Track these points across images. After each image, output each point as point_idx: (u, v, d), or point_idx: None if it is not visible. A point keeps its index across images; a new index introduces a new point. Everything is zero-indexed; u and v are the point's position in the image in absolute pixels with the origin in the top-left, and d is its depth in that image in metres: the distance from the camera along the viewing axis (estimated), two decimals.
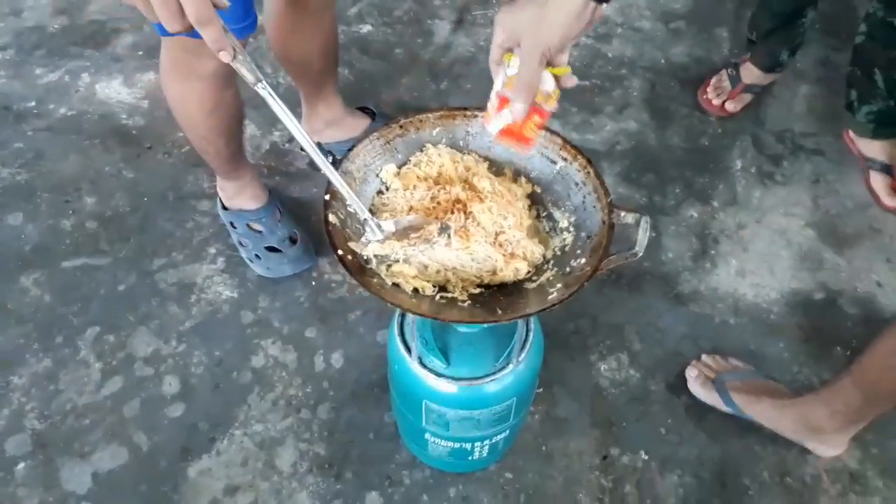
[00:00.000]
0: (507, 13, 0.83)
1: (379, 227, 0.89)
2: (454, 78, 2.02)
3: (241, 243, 1.57)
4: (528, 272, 0.93)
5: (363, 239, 0.90)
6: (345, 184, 0.87)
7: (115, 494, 1.29)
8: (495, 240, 0.93)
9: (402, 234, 0.90)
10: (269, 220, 1.55)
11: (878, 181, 1.75)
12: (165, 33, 1.08)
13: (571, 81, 0.86)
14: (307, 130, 1.73)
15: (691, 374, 1.41)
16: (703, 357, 1.44)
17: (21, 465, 1.31)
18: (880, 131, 1.73)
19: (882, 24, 1.57)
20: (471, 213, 0.94)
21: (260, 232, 1.55)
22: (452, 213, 0.94)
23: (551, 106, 0.87)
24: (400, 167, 1.00)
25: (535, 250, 0.94)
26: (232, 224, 1.57)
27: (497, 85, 0.89)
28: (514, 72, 0.85)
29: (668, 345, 1.50)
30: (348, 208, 0.93)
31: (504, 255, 0.92)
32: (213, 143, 1.37)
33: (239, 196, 1.54)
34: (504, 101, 0.88)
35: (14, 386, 1.41)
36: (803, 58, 2.04)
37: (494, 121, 0.90)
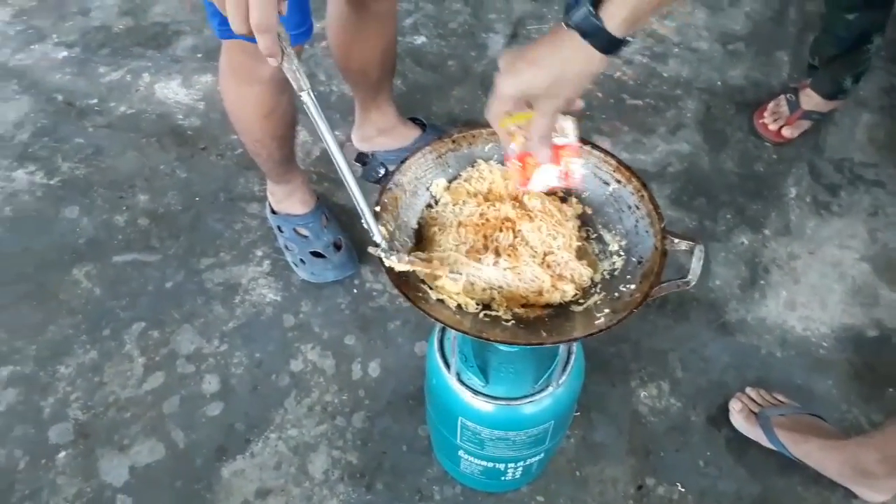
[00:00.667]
0: (513, 76, 0.81)
1: (392, 251, 0.87)
2: None
3: (286, 247, 1.59)
4: (575, 294, 0.92)
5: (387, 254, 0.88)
6: (364, 200, 0.86)
7: (150, 489, 1.31)
8: (543, 260, 0.92)
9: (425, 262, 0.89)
10: (315, 226, 1.57)
11: None
12: (226, 36, 1.10)
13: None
14: (359, 137, 1.75)
15: (735, 406, 1.38)
16: (748, 390, 1.40)
17: (62, 454, 1.34)
18: None
19: None
20: (519, 231, 0.93)
21: (306, 237, 1.57)
22: (501, 230, 0.93)
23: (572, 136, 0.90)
24: (451, 181, 1.00)
25: (584, 273, 0.93)
26: (279, 228, 1.59)
27: (509, 151, 0.91)
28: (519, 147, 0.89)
29: (711, 374, 1.47)
30: (398, 220, 0.93)
31: (552, 276, 0.91)
32: (267, 147, 1.39)
33: (288, 200, 1.56)
34: (524, 159, 0.90)
35: (61, 375, 1.44)
36: (865, 85, 1.98)
37: (534, 181, 0.92)
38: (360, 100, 1.68)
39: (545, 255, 0.92)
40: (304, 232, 1.57)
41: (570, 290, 0.91)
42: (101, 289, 1.58)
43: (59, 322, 1.52)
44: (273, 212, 1.60)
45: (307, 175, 1.76)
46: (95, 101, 1.95)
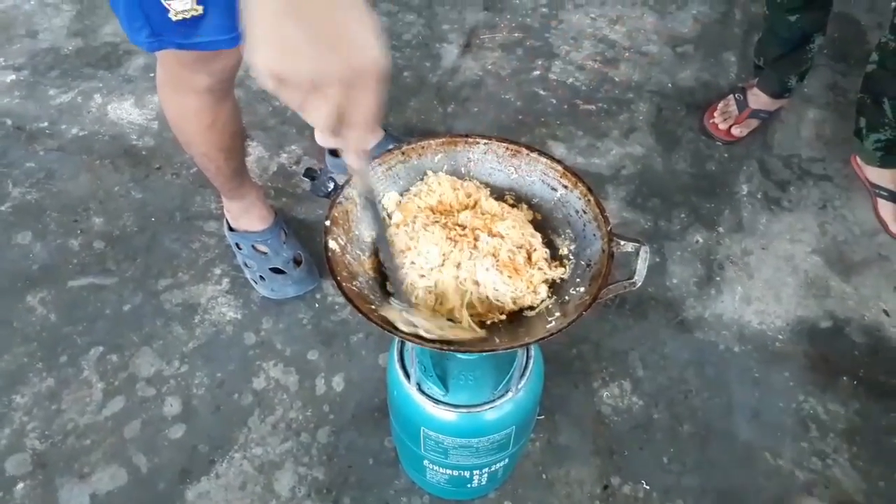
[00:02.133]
0: None
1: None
2: (462, 101, 2.03)
3: (245, 264, 1.58)
4: (548, 296, 0.93)
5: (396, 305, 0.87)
6: (392, 255, 0.88)
7: None
8: (528, 259, 0.93)
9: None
10: (274, 242, 1.56)
11: (886, 209, 1.73)
12: (155, 48, 1.09)
13: None
14: (317, 139, 1.75)
15: None
16: None
17: (20, 486, 1.31)
18: (888, 160, 1.72)
19: (893, 54, 1.57)
20: (497, 233, 0.94)
21: (265, 253, 1.56)
22: (476, 242, 0.93)
23: None
24: (402, 194, 1.01)
25: (555, 273, 0.94)
26: (237, 245, 1.58)
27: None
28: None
29: (671, 372, 1.49)
30: (349, 234, 0.93)
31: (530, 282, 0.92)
32: (214, 160, 1.38)
33: (244, 217, 1.55)
34: None
35: (16, 405, 1.41)
36: (811, 82, 2.04)
37: None
38: None
39: (529, 253, 0.93)
40: (263, 248, 1.56)
41: (543, 291, 0.92)
42: (56, 315, 1.55)
43: (13, 351, 1.49)
44: (231, 229, 1.59)
45: (264, 191, 1.75)
46: (46, 124, 1.92)
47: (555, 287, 0.94)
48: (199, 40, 1.06)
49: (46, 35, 2.17)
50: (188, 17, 1.02)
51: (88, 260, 1.64)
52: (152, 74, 2.06)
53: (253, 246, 1.56)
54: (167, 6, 1.01)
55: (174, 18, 1.02)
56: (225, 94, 1.27)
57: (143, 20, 1.03)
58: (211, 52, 1.11)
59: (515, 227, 0.94)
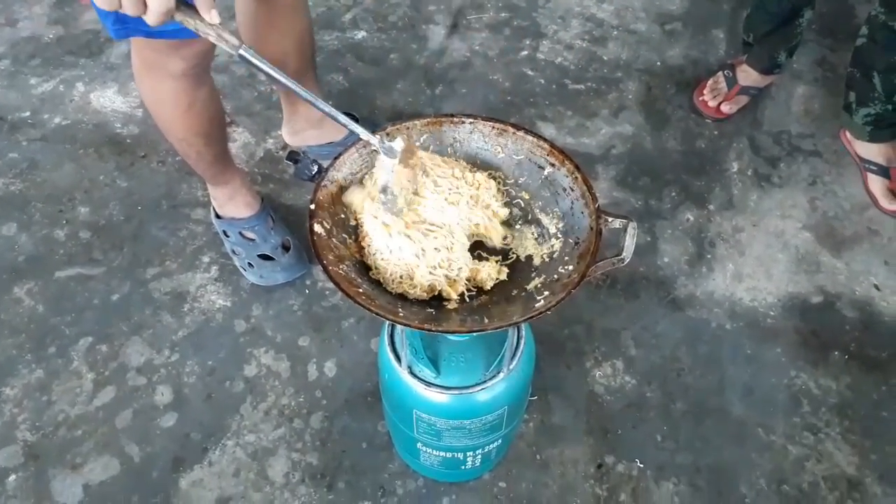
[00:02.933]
0: None
1: (390, 149, 0.89)
2: (449, 83, 2.01)
3: (234, 252, 1.57)
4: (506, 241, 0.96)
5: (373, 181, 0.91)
6: (338, 113, 0.88)
7: None
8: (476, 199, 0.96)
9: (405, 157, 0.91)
10: (261, 228, 1.55)
11: (875, 184, 1.73)
12: (121, 35, 1.07)
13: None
14: (289, 132, 1.74)
15: None
16: None
17: (12, 478, 1.31)
18: (877, 134, 1.72)
19: (883, 27, 1.56)
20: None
21: (252, 240, 1.54)
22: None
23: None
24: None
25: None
26: (225, 233, 1.57)
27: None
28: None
29: (664, 350, 1.49)
30: (335, 217, 0.92)
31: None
32: (193, 145, 1.36)
33: (230, 203, 1.54)
34: None
35: (6, 397, 1.40)
36: (800, 58, 2.03)
37: None
38: (284, 93, 1.67)
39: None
40: (251, 235, 1.55)
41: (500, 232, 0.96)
42: (44, 306, 1.54)
43: (1, 343, 1.47)
44: (217, 216, 1.57)
45: (251, 177, 1.74)
46: (28, 113, 1.90)
47: (544, 266, 0.93)
48: (165, 28, 1.04)
49: (26, 23, 2.14)
50: None
51: (75, 250, 1.63)
52: None
53: (240, 233, 1.55)
54: None
55: None
56: (201, 78, 1.25)
57: None
58: (180, 39, 1.09)
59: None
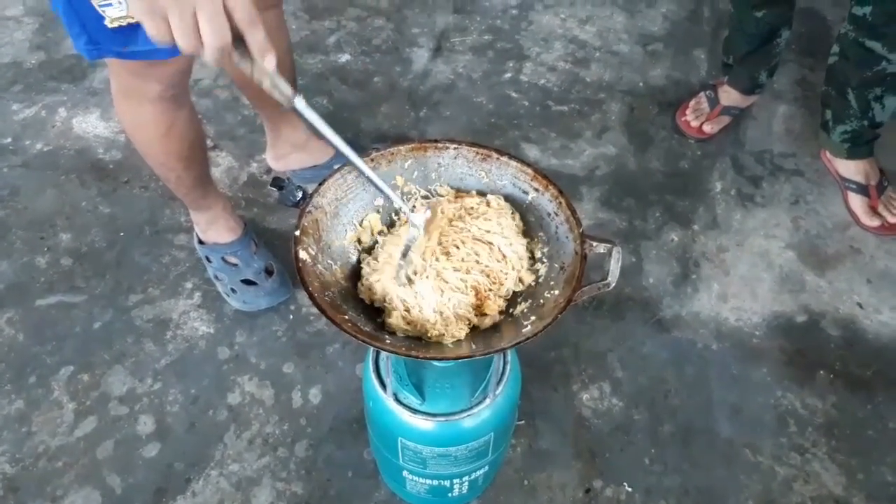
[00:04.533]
0: None
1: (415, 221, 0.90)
2: (433, 105, 2.01)
3: (216, 277, 1.55)
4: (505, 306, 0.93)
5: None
6: (376, 177, 0.87)
7: None
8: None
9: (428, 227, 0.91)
10: (244, 253, 1.54)
11: (856, 202, 1.75)
12: (94, 56, 1.06)
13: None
14: (274, 157, 1.74)
15: None
16: None
17: None
18: (854, 150, 1.74)
19: (854, 43, 1.58)
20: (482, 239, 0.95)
21: (235, 265, 1.53)
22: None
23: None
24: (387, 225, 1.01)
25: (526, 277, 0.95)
26: (207, 258, 1.56)
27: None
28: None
29: (650, 372, 1.48)
30: (320, 243, 0.92)
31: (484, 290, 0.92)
32: (173, 170, 1.35)
33: (212, 228, 1.52)
34: None
35: None
36: (780, 78, 2.05)
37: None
38: (267, 117, 1.67)
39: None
40: (234, 260, 1.53)
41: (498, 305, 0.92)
42: (24, 334, 1.51)
43: None
44: (200, 242, 1.56)
45: (235, 201, 1.73)
46: (9, 139, 1.88)
47: (530, 291, 0.93)
48: (138, 48, 1.03)
49: (7, 49, 2.13)
50: (124, 24, 0.99)
51: (56, 277, 1.61)
52: None
53: (223, 258, 1.54)
54: (102, 13, 0.98)
55: (110, 26, 0.99)
56: (179, 100, 1.24)
57: (79, 27, 1.00)
58: (153, 59, 1.09)
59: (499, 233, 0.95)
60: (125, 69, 1.14)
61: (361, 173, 0.86)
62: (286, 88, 0.76)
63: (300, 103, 0.78)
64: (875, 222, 1.72)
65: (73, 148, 1.87)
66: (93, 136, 1.91)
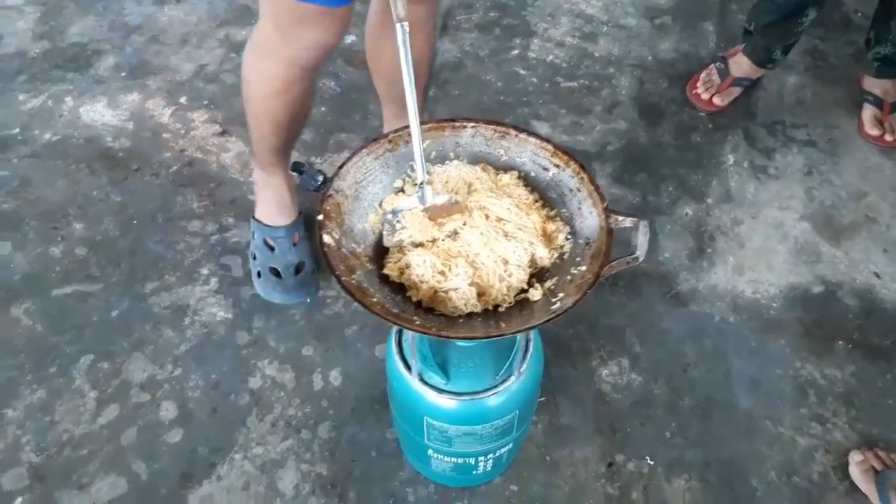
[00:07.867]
0: None
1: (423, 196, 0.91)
2: (441, 84, 2.00)
3: (253, 256, 1.55)
4: (530, 281, 0.92)
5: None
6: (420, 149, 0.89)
7: None
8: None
9: (436, 212, 0.92)
10: (284, 242, 1.53)
11: (867, 112, 1.87)
12: None
13: None
14: None
15: (855, 458, 1.32)
16: (877, 449, 1.33)
17: (18, 500, 1.29)
18: (883, 71, 1.86)
19: None
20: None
21: (272, 249, 1.53)
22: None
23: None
24: (397, 192, 0.99)
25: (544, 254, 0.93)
26: (253, 233, 1.56)
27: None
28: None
29: (668, 346, 1.49)
30: (342, 227, 0.91)
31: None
32: (262, 126, 1.36)
33: (265, 206, 1.52)
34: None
35: (9, 419, 1.38)
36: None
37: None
38: (387, 114, 1.65)
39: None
40: (272, 244, 1.53)
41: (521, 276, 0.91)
42: (42, 325, 1.52)
43: (1, 364, 1.46)
44: (253, 217, 1.56)
45: (244, 185, 1.72)
46: (17, 130, 1.87)
47: (556, 267, 0.93)
48: None
49: (11, 39, 2.11)
50: None
51: (71, 267, 1.61)
52: (123, 74, 2.01)
53: (265, 239, 1.53)
54: None
55: None
56: (303, 75, 1.26)
57: None
58: (315, 7, 1.11)
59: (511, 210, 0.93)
60: (275, 24, 1.17)
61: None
62: (401, 10, 0.82)
63: (401, 32, 0.83)
64: (875, 132, 1.85)
65: (81, 137, 1.87)
66: (101, 124, 1.90)
